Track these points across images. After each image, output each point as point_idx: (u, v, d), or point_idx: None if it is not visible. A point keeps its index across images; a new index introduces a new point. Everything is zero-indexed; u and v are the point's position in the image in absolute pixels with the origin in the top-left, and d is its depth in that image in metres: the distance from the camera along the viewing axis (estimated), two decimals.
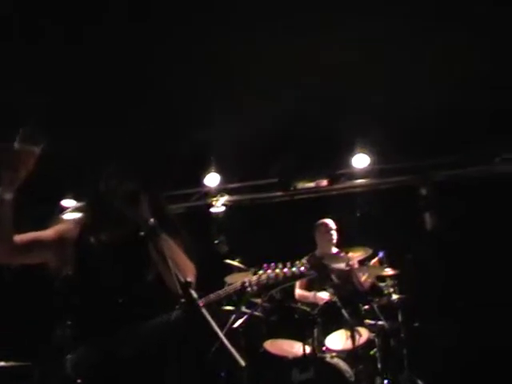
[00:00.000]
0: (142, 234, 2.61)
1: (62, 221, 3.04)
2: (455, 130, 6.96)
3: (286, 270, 3.00)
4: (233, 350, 2.21)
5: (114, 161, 2.97)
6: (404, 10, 5.16)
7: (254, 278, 2.96)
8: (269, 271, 2.96)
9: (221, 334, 2.25)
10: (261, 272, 2.96)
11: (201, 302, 2.38)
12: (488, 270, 6.91)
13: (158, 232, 2.61)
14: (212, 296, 2.85)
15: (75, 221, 3.00)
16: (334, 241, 6.58)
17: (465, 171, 7.65)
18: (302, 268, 3.01)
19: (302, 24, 5.37)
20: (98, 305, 2.79)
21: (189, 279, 2.42)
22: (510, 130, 6.99)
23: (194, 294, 2.36)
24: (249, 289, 2.92)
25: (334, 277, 5.97)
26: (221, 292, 2.87)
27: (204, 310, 2.31)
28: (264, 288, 2.96)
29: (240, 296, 2.92)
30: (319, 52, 5.79)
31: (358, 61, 5.92)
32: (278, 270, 2.98)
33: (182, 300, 2.40)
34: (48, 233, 2.91)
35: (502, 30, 5.51)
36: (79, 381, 2.58)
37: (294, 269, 3.00)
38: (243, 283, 2.92)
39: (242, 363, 2.23)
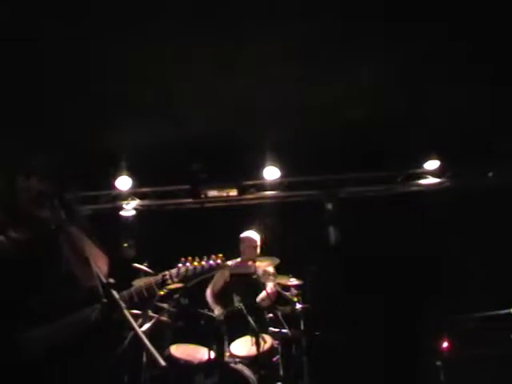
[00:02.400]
0: (53, 228, 2.64)
1: None
2: (363, 147, 7.28)
3: (203, 262, 3.11)
4: (153, 350, 2.29)
5: (23, 159, 2.97)
6: None
7: (174, 270, 3.05)
8: (187, 264, 3.06)
9: (142, 335, 2.32)
10: (180, 265, 3.06)
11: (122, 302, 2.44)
12: (387, 282, 7.29)
13: (69, 228, 2.65)
14: (133, 290, 2.89)
15: None
16: (257, 253, 6.65)
17: (369, 189, 8.00)
18: (219, 260, 3.14)
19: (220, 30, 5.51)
20: (8, 303, 2.76)
21: (111, 280, 2.48)
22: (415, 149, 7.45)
23: (115, 294, 2.42)
24: (169, 281, 3.00)
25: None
26: (142, 285, 2.92)
27: (125, 311, 2.37)
28: (184, 279, 3.05)
29: (158, 289, 2.98)
30: (235, 61, 5.96)
31: (274, 74, 6.15)
32: (195, 263, 3.09)
33: (104, 300, 2.46)
34: None
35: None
36: None
37: (211, 261, 3.13)
38: (164, 275, 3.00)
39: (162, 363, 2.31)
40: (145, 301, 2.92)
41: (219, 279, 6.59)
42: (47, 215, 2.69)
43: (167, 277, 3.00)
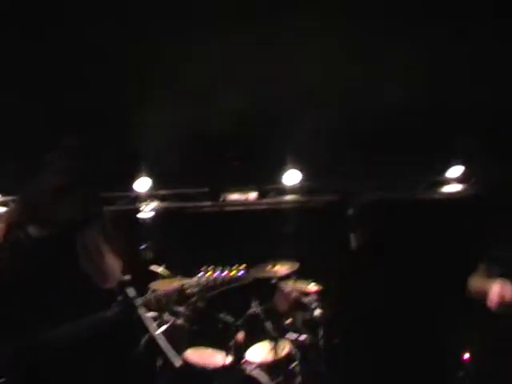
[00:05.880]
0: (72, 226, 2.57)
1: None
2: (386, 152, 7.14)
3: (225, 273, 2.99)
4: (169, 350, 2.19)
5: (49, 154, 2.90)
6: None
7: (194, 279, 2.93)
8: (208, 274, 2.95)
9: (156, 334, 2.23)
10: (200, 274, 2.94)
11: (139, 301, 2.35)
12: (409, 290, 7.13)
13: (91, 226, 2.57)
14: (152, 295, 2.80)
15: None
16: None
17: (392, 194, 7.86)
18: (241, 272, 3.01)
19: (237, 33, 5.36)
20: (26, 301, 2.71)
21: (126, 277, 2.39)
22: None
23: (131, 293, 2.33)
24: (188, 290, 2.89)
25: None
26: (161, 291, 2.83)
27: (141, 310, 2.28)
28: (203, 290, 2.93)
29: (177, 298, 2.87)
30: (257, 64, 5.81)
31: (294, 77, 6.00)
32: (216, 273, 2.97)
33: (119, 298, 2.37)
34: None
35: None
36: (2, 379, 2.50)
37: (232, 272, 3.00)
38: (183, 284, 2.89)
39: (178, 363, 2.21)
40: (161, 307, 2.83)
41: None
42: (67, 213, 2.62)
43: (186, 286, 2.91)
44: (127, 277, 2.43)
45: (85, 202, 2.70)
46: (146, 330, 2.30)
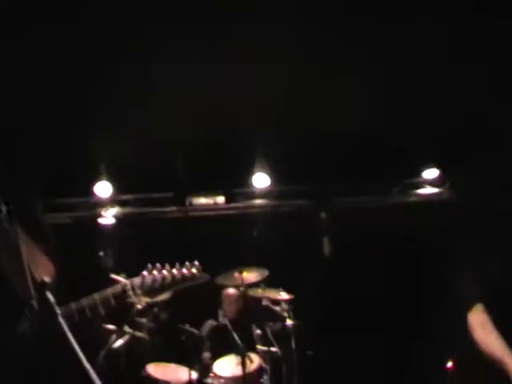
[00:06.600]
0: None
1: None
2: (358, 157, 6.91)
3: (174, 271, 2.56)
4: (91, 371, 1.75)
5: None
6: None
7: (137, 279, 2.50)
8: (154, 272, 2.51)
9: (78, 350, 1.78)
10: (145, 273, 2.51)
11: (62, 309, 1.93)
12: (381, 296, 6.93)
13: (11, 222, 2.15)
14: (85, 301, 2.36)
15: None
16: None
17: (364, 199, 7.61)
18: (194, 270, 2.59)
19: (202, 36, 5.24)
20: None
21: (46, 278, 1.95)
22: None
23: (51, 297, 1.89)
24: (131, 292, 2.46)
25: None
26: (96, 296, 2.39)
27: (61, 319, 1.84)
28: (149, 291, 2.51)
29: (120, 302, 2.44)
30: (224, 62, 5.62)
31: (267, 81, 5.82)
32: (165, 272, 2.54)
33: (33, 302, 1.92)
34: None
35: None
36: None
37: (184, 270, 2.57)
38: (124, 285, 2.46)
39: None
40: (100, 315, 2.40)
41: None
42: None
43: (128, 287, 2.47)
44: (47, 279, 1.99)
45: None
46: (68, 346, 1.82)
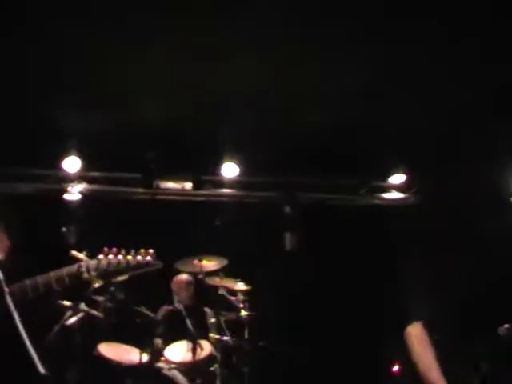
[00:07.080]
0: None
1: None
2: (328, 155, 6.94)
3: (129, 257, 2.61)
4: (34, 354, 1.77)
5: None
6: None
7: (93, 262, 2.54)
8: (110, 256, 2.56)
9: (22, 331, 1.79)
10: (101, 256, 2.55)
11: (16, 285, 1.95)
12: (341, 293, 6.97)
13: None
14: (39, 278, 2.39)
15: None
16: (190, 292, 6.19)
17: (331, 196, 7.66)
18: (149, 257, 2.64)
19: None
20: None
21: None
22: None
23: (0, 275, 1.90)
24: (85, 274, 2.50)
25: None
26: (51, 274, 2.43)
27: (8, 298, 1.85)
28: (104, 275, 2.55)
29: (75, 283, 2.48)
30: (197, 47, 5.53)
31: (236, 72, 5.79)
32: (120, 257, 2.58)
33: None
34: None
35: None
36: None
37: (138, 257, 2.62)
38: (79, 266, 2.50)
39: (42, 371, 1.79)
40: (55, 292, 2.43)
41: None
42: None
43: (83, 269, 2.51)
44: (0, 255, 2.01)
45: None
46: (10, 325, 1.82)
